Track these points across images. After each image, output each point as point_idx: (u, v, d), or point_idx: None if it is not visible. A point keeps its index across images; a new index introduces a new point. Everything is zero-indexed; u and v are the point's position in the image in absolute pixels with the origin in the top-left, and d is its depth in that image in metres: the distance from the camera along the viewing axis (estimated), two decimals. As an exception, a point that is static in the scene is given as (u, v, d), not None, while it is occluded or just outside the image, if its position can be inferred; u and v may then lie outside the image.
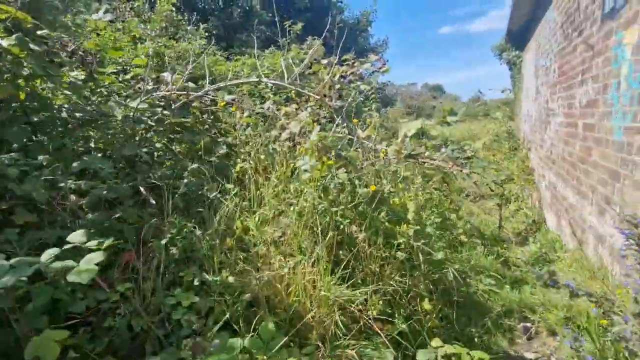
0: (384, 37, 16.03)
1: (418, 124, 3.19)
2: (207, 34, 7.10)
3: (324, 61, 3.11)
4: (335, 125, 2.86)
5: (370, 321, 1.87)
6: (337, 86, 2.97)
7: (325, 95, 2.85)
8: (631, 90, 2.18)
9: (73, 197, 1.72)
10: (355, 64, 3.09)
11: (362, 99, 9.50)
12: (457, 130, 21.58)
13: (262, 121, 3.10)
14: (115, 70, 3.37)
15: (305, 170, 2.11)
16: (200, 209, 2.16)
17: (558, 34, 4.54)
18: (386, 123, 23.11)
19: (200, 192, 2.22)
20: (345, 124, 2.93)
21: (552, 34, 4.95)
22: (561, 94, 4.26)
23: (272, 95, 4.25)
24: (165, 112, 2.52)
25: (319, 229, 2.02)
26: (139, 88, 2.73)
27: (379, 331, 1.83)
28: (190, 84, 2.92)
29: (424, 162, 2.74)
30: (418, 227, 2.27)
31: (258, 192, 2.39)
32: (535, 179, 5.97)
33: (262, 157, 2.66)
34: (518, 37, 10.08)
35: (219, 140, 2.81)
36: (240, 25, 11.54)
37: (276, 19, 4.38)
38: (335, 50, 3.09)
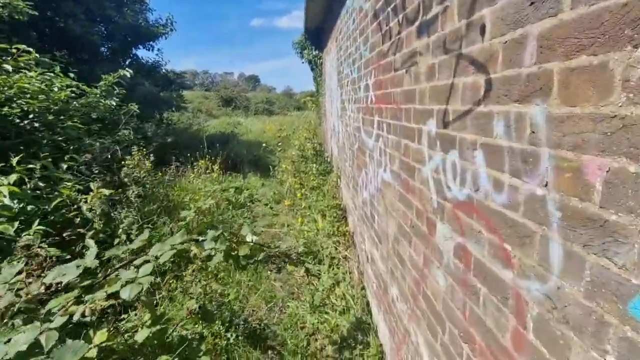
0: (167, 14, 12.27)
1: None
2: None
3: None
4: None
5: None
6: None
7: None
8: None
9: None
10: None
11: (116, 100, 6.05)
12: (272, 124, 20.07)
13: None
14: None
15: None
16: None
17: (370, 30, 2.83)
18: (198, 118, 19.43)
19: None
20: None
21: (360, 31, 3.27)
22: (385, 135, 2.54)
23: None
24: None
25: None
26: None
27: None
28: None
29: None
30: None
31: None
32: (351, 229, 4.49)
33: None
34: (317, 35, 8.92)
35: None
36: None
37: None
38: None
